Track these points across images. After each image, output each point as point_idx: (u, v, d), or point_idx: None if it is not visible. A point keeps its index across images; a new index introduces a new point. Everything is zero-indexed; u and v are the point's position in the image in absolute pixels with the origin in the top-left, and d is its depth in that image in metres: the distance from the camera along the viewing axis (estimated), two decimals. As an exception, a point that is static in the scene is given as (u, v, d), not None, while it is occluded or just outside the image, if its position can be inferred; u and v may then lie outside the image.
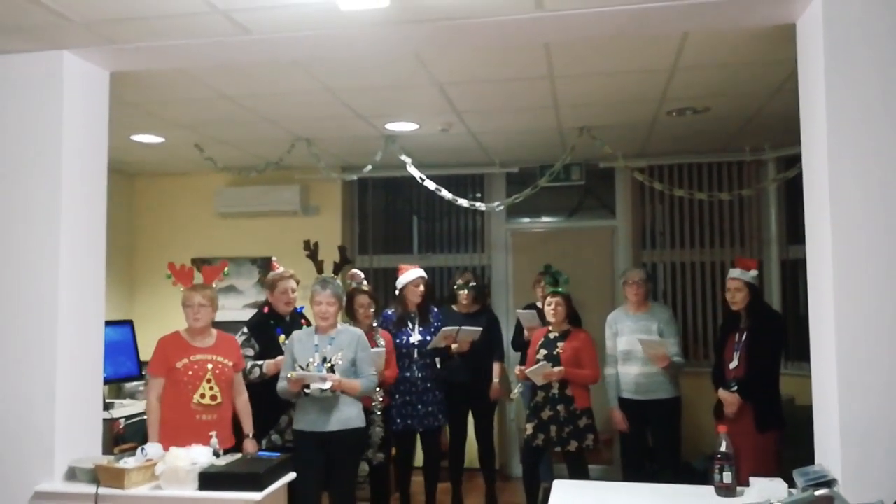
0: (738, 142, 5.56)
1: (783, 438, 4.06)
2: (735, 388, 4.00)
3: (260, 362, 4.13)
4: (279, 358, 4.08)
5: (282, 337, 4.24)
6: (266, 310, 4.40)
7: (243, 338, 4.15)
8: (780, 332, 4.25)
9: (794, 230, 5.81)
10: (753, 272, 4.12)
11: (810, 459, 2.81)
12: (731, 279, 4.17)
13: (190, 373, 3.62)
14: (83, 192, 3.35)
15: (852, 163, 2.62)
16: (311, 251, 4.60)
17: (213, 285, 3.81)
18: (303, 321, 4.47)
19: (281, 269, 4.47)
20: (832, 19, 2.65)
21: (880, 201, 2.60)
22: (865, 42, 2.63)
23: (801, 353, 5.30)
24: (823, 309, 2.71)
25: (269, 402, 4.00)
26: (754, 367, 3.98)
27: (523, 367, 4.69)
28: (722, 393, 4.07)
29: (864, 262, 2.59)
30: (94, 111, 3.45)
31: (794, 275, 5.80)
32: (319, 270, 4.61)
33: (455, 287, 5.28)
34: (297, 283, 4.44)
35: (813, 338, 2.85)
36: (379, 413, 4.56)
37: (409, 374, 4.84)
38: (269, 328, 4.31)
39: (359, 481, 4.54)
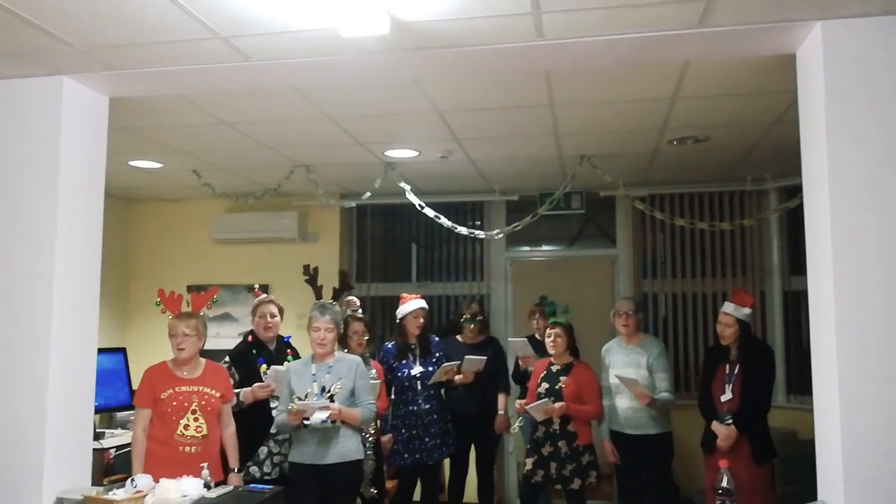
0: (740, 171, 5.55)
1: (775, 471, 4.05)
2: (730, 420, 3.98)
3: (237, 391, 4.03)
4: (255, 385, 4.01)
5: (263, 366, 4.16)
6: (250, 338, 4.32)
7: (224, 367, 4.07)
8: (772, 365, 4.27)
9: (797, 261, 5.77)
10: (747, 310, 4.14)
11: (813, 495, 2.75)
12: (724, 314, 4.19)
13: (174, 403, 3.54)
14: (79, 218, 3.33)
15: (853, 194, 2.60)
16: (311, 276, 4.55)
17: (202, 313, 3.74)
18: (288, 351, 4.38)
19: (263, 296, 4.41)
20: (831, 49, 2.65)
21: (881, 232, 2.58)
22: (864, 72, 2.63)
23: (803, 386, 5.24)
24: (825, 341, 2.67)
25: (246, 432, 3.92)
26: (750, 400, 3.98)
27: (523, 402, 4.60)
28: (716, 426, 4.04)
29: (865, 294, 2.57)
30: (93, 136, 3.44)
31: (797, 306, 5.75)
32: (318, 296, 4.56)
33: (462, 320, 5.21)
34: (280, 308, 4.36)
35: (815, 370, 2.80)
36: (371, 444, 4.48)
37: (413, 408, 4.75)
38: (251, 357, 4.22)
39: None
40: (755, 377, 4.01)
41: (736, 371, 4.06)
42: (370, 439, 4.47)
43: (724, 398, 4.05)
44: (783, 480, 5.05)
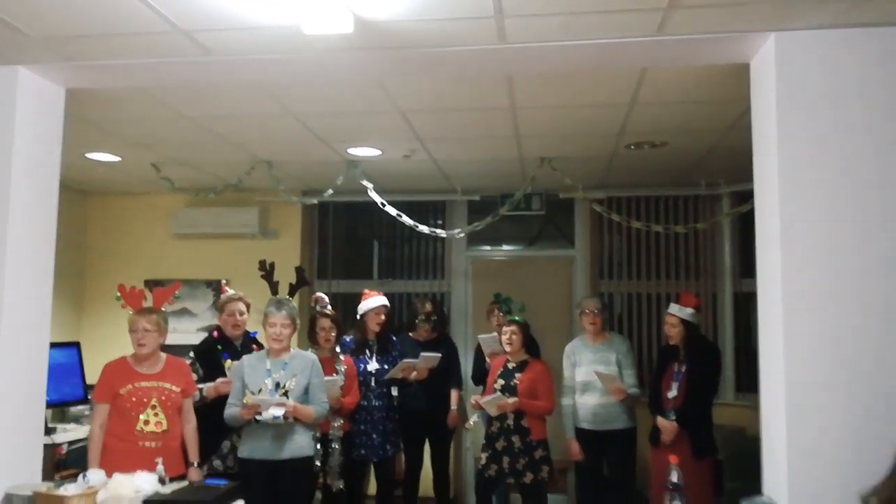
0: (695, 176, 5.68)
1: (717, 466, 4.22)
2: (674, 417, 4.16)
3: (200, 385, 4.02)
4: (219, 381, 4.00)
5: (228, 362, 4.15)
6: (216, 334, 4.31)
7: (188, 362, 4.05)
8: (717, 364, 4.44)
9: (747, 264, 5.92)
10: (689, 310, 4.29)
11: (759, 490, 2.84)
12: (668, 314, 4.38)
13: (134, 399, 3.51)
14: (32, 209, 3.26)
15: (802, 199, 2.70)
16: (267, 271, 4.53)
17: (164, 308, 3.71)
18: (254, 346, 4.38)
19: (231, 292, 4.40)
20: (784, 60, 2.74)
21: (829, 237, 2.67)
22: (816, 82, 2.73)
23: (751, 384, 5.39)
24: (773, 340, 2.76)
25: (209, 427, 3.90)
26: (692, 397, 4.15)
27: (478, 397, 4.66)
28: (661, 421, 4.23)
29: (812, 296, 2.66)
30: (48, 127, 3.38)
31: (747, 307, 5.92)
32: (274, 292, 4.55)
33: (418, 321, 5.24)
34: (248, 305, 4.36)
35: (762, 368, 2.90)
36: (339, 439, 4.50)
37: (365, 403, 4.78)
38: (216, 353, 4.22)
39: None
40: (699, 376, 4.18)
41: (683, 370, 4.23)
42: (338, 434, 4.51)
43: (670, 395, 4.24)
44: (730, 476, 5.19)
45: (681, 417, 4.14)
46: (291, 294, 5.05)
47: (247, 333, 4.41)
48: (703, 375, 4.20)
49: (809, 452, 2.60)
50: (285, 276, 5.36)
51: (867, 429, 2.52)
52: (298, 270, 4.79)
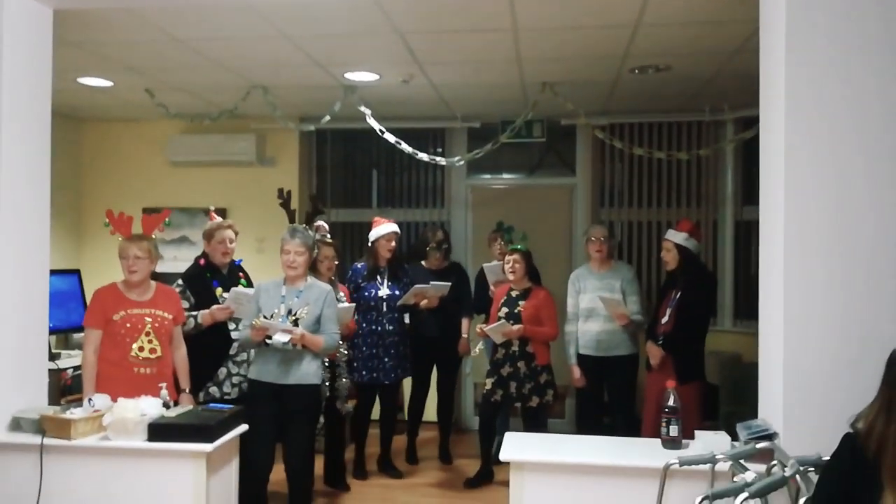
0: (699, 102, 5.58)
1: (704, 391, 4.28)
2: (661, 342, 4.23)
3: (195, 313, 4.02)
4: (214, 308, 4.02)
5: (219, 289, 4.15)
6: (202, 262, 4.28)
7: (178, 290, 4.04)
8: (710, 291, 4.46)
9: (749, 191, 5.89)
10: (683, 234, 4.30)
11: (754, 415, 2.89)
12: (664, 240, 4.41)
13: (128, 325, 3.52)
14: (25, 135, 3.21)
15: (808, 125, 2.64)
16: (285, 199, 4.52)
17: (154, 235, 3.69)
18: (241, 274, 4.37)
19: (219, 220, 4.37)
20: (795, -22, 2.63)
21: (833, 164, 2.63)
22: (826, 3, 2.63)
23: (750, 311, 5.43)
24: (773, 267, 2.76)
25: (205, 354, 3.94)
26: (678, 323, 4.19)
27: (483, 326, 4.70)
28: (649, 345, 4.32)
29: (813, 222, 2.64)
30: (37, 51, 3.29)
31: (748, 235, 5.91)
32: (292, 220, 4.54)
33: (428, 248, 5.26)
34: (236, 233, 4.34)
35: (762, 295, 2.90)
36: (344, 364, 4.61)
37: (377, 328, 4.84)
38: (205, 280, 4.20)
39: (315, 433, 4.55)
40: (690, 303, 4.20)
41: (677, 297, 4.25)
42: (344, 360, 4.61)
43: (663, 321, 4.27)
44: (726, 401, 5.30)
45: (667, 343, 4.20)
46: (308, 223, 5.03)
47: (232, 261, 4.38)
48: (693, 303, 4.21)
49: (805, 379, 2.62)
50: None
51: (865, 358, 2.52)
52: (313, 199, 4.78)
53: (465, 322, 5.31)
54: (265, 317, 3.72)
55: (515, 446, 3.04)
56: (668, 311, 4.25)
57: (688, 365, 4.15)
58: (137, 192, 6.27)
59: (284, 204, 4.47)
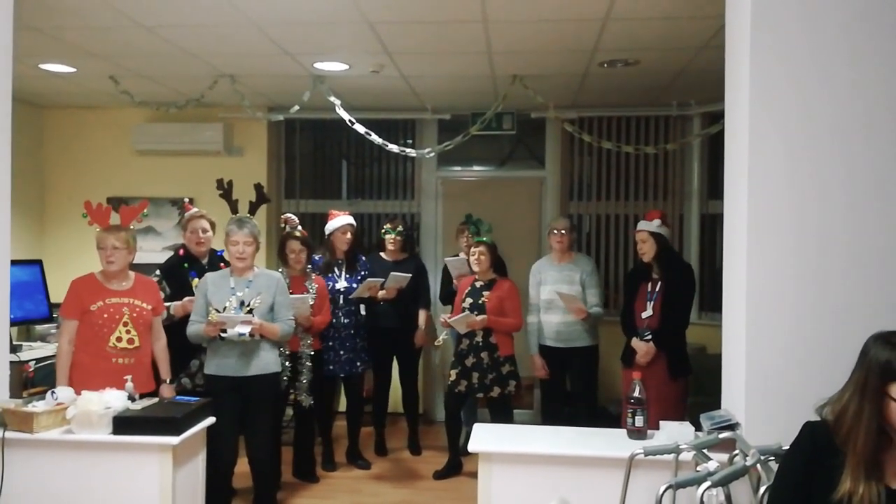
0: (667, 96, 5.64)
1: (689, 385, 4.24)
2: (649, 337, 4.11)
3: (168, 304, 4.00)
4: (187, 299, 3.98)
5: (195, 280, 4.12)
6: (181, 252, 4.28)
7: (155, 280, 4.02)
8: (692, 283, 4.40)
9: (715, 185, 5.98)
10: (657, 221, 4.22)
11: (717, 405, 2.94)
12: (637, 231, 4.32)
13: (105, 315, 3.50)
14: (-16, 122, 3.13)
15: (772, 120, 2.68)
16: (225, 189, 4.46)
17: (132, 226, 3.65)
18: (221, 265, 4.34)
19: (194, 210, 4.34)
20: (760, -25, 2.67)
21: (797, 159, 2.67)
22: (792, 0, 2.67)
23: (714, 303, 5.52)
24: (736, 260, 2.80)
25: (178, 345, 3.91)
26: (669, 317, 4.12)
27: (447, 316, 4.72)
28: (636, 342, 4.17)
29: (776, 215, 2.67)
30: (-4, 34, 3.20)
31: (713, 228, 6.00)
32: (234, 210, 4.49)
33: (383, 232, 5.25)
34: (212, 223, 4.31)
35: (725, 288, 2.95)
36: (310, 357, 4.56)
37: (333, 321, 4.83)
38: (182, 271, 4.19)
39: (282, 425, 4.53)
40: (675, 295, 4.13)
41: (658, 289, 4.16)
42: (308, 353, 4.56)
43: (644, 315, 4.17)
44: (691, 392, 5.37)
45: (657, 338, 4.09)
46: (252, 212, 4.98)
47: (213, 252, 4.37)
48: (680, 295, 4.15)
49: (766, 371, 2.67)
50: (248, 194, 5.28)
51: (824, 349, 2.58)
52: (257, 187, 4.72)
53: (422, 314, 5.30)
54: (217, 310, 3.68)
55: (483, 438, 3.06)
56: (649, 305, 4.16)
57: (681, 359, 4.13)
58: (102, 181, 6.16)
59: (226, 195, 4.45)
